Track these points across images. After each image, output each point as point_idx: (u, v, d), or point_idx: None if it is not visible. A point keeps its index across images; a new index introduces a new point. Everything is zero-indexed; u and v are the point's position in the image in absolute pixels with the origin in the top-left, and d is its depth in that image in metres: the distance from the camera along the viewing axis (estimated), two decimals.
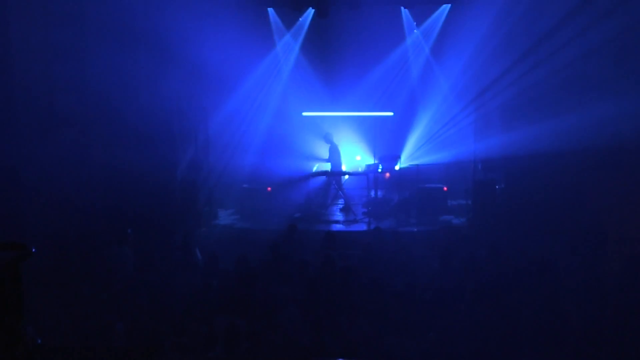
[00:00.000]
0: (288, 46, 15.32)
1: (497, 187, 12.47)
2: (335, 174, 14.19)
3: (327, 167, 14.34)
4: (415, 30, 15.07)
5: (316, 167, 14.82)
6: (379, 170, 13.65)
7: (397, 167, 13.90)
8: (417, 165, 14.20)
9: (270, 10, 14.96)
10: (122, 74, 10.88)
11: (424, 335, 6.82)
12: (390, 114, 15.13)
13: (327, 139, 14.33)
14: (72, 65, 10.01)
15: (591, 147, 10.02)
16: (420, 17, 14.91)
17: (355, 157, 15.89)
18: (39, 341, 3.13)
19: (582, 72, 10.38)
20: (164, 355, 5.62)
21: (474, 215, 12.51)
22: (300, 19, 15.06)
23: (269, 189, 13.86)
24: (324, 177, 14.20)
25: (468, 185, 13.35)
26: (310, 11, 14.71)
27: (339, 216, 13.88)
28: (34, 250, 2.94)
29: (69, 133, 10.22)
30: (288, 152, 14.70)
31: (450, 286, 8.08)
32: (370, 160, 14.71)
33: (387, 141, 15.30)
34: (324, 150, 14.63)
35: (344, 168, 14.58)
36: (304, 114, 15.44)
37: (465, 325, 6.88)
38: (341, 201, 14.39)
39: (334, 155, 14.28)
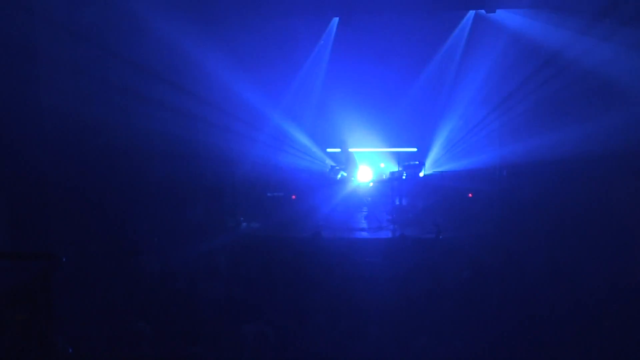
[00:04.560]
0: (317, 57, 15.19)
1: (522, 193, 12.35)
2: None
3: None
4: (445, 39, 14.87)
5: (340, 175, 14.81)
6: (403, 177, 13.61)
7: (421, 174, 13.84)
8: (442, 172, 14.11)
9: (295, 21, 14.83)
10: (147, 88, 11.01)
11: (449, 343, 6.78)
12: (414, 149, 15.01)
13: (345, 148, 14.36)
14: (98, 77, 10.15)
15: (617, 152, 9.91)
16: (445, 25, 14.72)
17: (379, 164, 15.83)
18: (70, 350, 3.16)
19: (607, 77, 10.28)
20: None
21: (500, 222, 12.39)
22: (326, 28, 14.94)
23: (294, 196, 13.89)
24: (347, 184, 14.19)
25: (494, 191, 13.23)
26: (335, 20, 14.62)
27: (363, 223, 13.85)
28: (64, 259, 2.96)
29: (96, 144, 10.35)
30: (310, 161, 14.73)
31: (475, 294, 8.02)
32: (394, 168, 14.66)
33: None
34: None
35: (365, 175, 14.54)
36: (328, 150, 15.43)
37: (491, 334, 6.82)
38: (366, 208, 14.36)
39: (351, 163, 14.30)
